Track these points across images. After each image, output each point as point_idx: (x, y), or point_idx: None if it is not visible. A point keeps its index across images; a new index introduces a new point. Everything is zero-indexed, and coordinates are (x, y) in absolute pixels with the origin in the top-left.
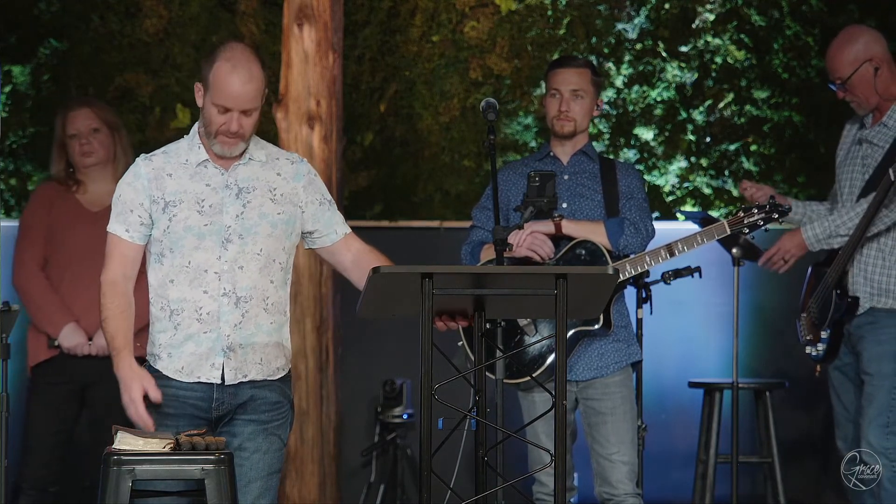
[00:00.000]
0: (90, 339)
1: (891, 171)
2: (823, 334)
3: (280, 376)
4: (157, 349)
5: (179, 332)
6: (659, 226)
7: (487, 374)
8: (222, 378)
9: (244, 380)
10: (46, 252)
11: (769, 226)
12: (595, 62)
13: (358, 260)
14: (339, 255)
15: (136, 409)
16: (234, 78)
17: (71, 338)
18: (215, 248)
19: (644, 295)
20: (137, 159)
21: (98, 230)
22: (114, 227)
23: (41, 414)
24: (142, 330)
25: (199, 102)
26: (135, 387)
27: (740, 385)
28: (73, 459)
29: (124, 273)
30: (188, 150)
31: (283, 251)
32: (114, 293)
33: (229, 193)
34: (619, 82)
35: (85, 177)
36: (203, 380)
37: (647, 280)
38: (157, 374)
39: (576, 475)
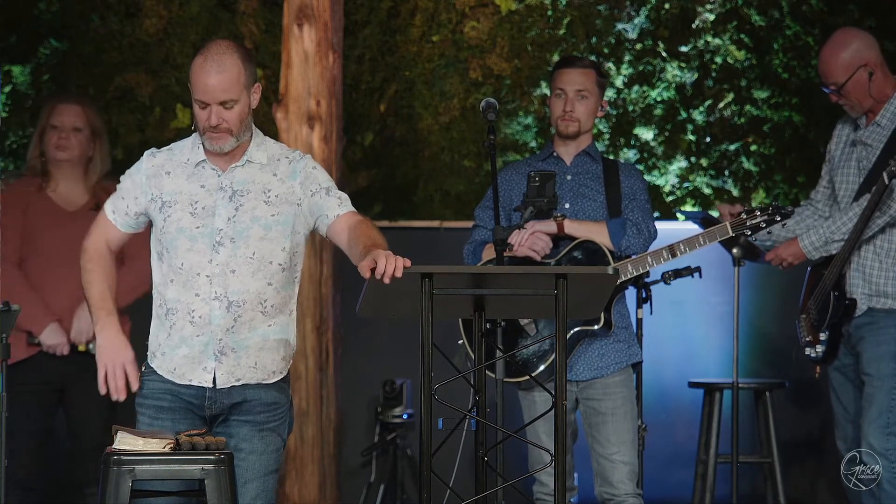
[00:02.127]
0: (70, 340)
1: (885, 174)
2: (822, 336)
3: (275, 380)
4: (153, 347)
5: (174, 333)
6: (659, 226)
7: (487, 373)
8: (214, 382)
9: (237, 384)
10: (22, 253)
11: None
12: None
13: (351, 237)
14: (336, 235)
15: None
16: (205, 70)
17: (53, 336)
18: (207, 251)
19: (644, 295)
20: (145, 153)
21: (76, 230)
22: (107, 204)
23: (19, 413)
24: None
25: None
26: (116, 360)
27: (740, 385)
28: (56, 459)
29: (107, 241)
30: (191, 149)
31: (281, 252)
32: (97, 256)
33: (223, 196)
34: (619, 82)
35: (56, 170)
36: (195, 383)
37: (647, 280)
38: (152, 372)
39: (576, 475)
